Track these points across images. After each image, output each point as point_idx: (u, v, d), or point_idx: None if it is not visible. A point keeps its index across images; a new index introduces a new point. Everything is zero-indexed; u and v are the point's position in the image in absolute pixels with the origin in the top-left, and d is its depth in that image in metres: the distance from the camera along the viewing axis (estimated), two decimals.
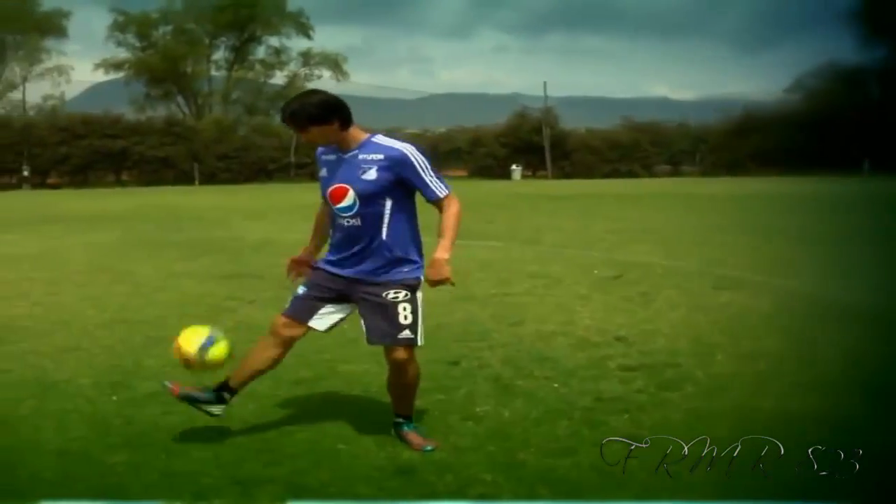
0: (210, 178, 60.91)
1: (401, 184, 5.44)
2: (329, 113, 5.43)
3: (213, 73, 72.98)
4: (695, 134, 72.85)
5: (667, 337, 8.79)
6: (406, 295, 5.52)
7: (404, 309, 5.51)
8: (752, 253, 16.12)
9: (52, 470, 5.29)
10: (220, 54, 73.36)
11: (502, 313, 10.07)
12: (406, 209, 5.55)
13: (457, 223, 5.54)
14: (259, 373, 5.85)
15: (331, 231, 5.73)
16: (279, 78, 73.99)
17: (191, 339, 5.71)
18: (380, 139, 5.56)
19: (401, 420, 5.82)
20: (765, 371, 7.47)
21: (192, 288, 12.14)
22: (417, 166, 5.44)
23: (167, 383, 5.75)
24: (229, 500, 4.81)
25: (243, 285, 12.32)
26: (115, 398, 6.84)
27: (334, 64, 73.25)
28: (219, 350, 5.71)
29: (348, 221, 5.51)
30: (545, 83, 74.71)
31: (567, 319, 9.67)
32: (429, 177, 5.46)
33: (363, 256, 5.53)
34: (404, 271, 5.52)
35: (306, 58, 73.47)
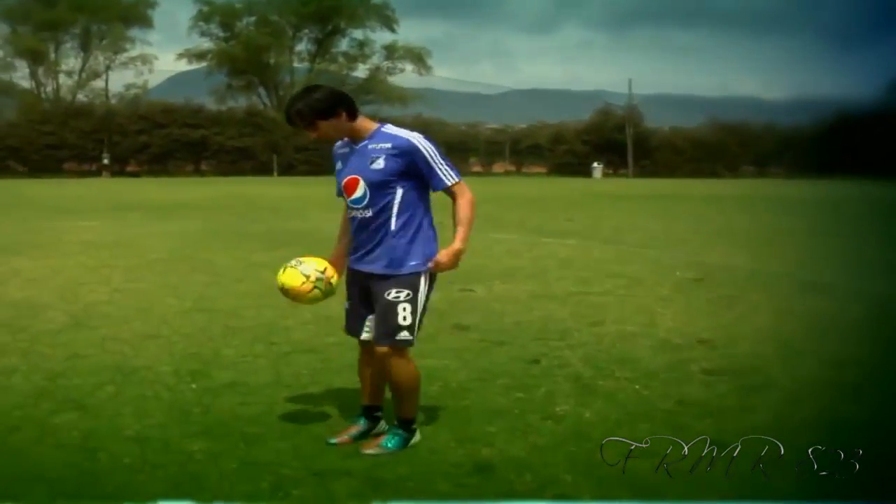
0: (288, 170, 61.41)
1: (410, 173, 5.36)
2: (334, 105, 5.37)
3: (296, 64, 73.58)
4: (783, 134, 71.82)
5: (751, 341, 8.61)
6: (407, 295, 5.36)
7: (404, 310, 5.35)
8: (839, 258, 15.84)
9: (131, 456, 5.29)
10: (302, 46, 73.90)
11: (582, 312, 9.95)
12: (416, 200, 5.43)
13: (472, 213, 5.41)
14: (380, 381, 5.76)
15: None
16: (361, 71, 74.39)
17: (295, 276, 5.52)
18: (389, 128, 5.51)
19: (395, 423, 5.61)
20: (854, 379, 7.26)
21: (270, 279, 12.02)
22: (426, 153, 5.35)
23: (334, 440, 5.60)
24: (307, 492, 4.77)
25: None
26: (193, 386, 6.86)
27: (418, 58, 73.35)
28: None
29: (361, 213, 5.44)
30: (630, 80, 74.33)
31: (648, 321, 9.52)
32: (437, 165, 5.37)
33: (375, 249, 5.42)
34: (411, 265, 5.37)
35: (390, 51, 73.60)
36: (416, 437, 5.59)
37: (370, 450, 5.43)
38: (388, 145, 5.37)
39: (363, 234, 5.46)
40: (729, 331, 9.09)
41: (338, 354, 7.56)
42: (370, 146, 5.41)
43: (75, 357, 7.73)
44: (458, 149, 70.92)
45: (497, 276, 12.64)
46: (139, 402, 6.42)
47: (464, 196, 5.40)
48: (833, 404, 6.58)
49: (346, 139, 5.53)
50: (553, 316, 9.76)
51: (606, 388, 6.87)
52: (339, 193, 5.61)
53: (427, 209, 5.50)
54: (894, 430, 5.97)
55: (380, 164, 5.35)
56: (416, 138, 5.41)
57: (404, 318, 5.34)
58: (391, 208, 5.38)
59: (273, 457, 5.28)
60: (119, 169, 61.62)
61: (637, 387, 6.93)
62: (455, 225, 5.41)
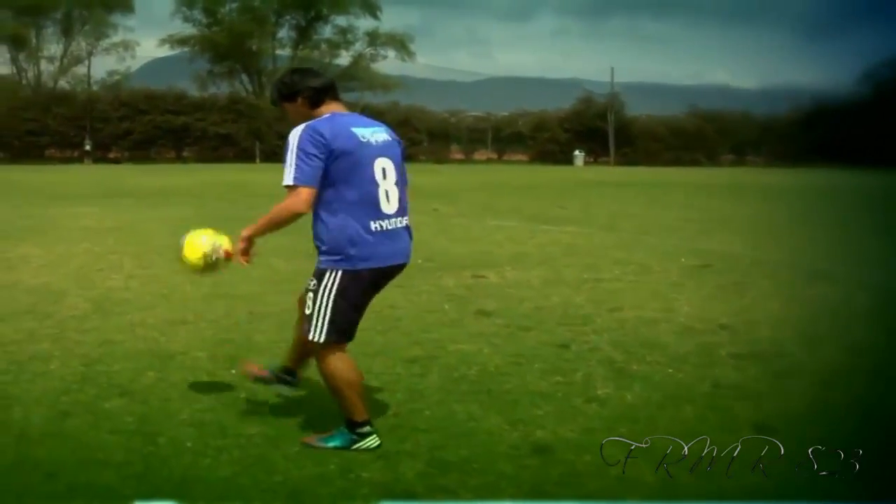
0: (270, 157, 61.13)
1: None
2: (295, 90, 5.35)
3: (278, 51, 73.06)
4: (760, 123, 72.37)
5: (769, 327, 8.74)
6: (314, 285, 5.22)
7: (310, 299, 5.25)
8: (837, 246, 16.05)
9: (191, 439, 5.37)
10: (284, 33, 73.51)
11: (598, 298, 10.06)
12: (330, 195, 5.13)
13: (274, 214, 5.19)
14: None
15: None
16: (344, 58, 73.81)
17: (195, 247, 5.77)
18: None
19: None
20: (878, 365, 7.41)
21: (282, 265, 12.18)
22: (287, 147, 5.11)
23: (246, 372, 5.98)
24: (376, 474, 4.86)
25: None
26: (233, 372, 6.91)
27: (400, 44, 72.88)
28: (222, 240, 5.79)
29: None
30: (612, 69, 74.55)
31: (665, 307, 9.64)
32: (288, 162, 5.07)
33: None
34: (321, 259, 5.22)
35: (372, 38, 73.22)
36: (369, 443, 5.26)
37: (306, 440, 5.37)
38: None
39: None
40: (745, 316, 9.22)
41: (369, 339, 7.54)
42: None
43: (108, 343, 7.78)
44: (440, 136, 70.98)
45: (506, 262, 12.75)
46: (184, 387, 6.50)
47: (284, 200, 5.12)
48: (863, 389, 6.73)
49: None
50: (571, 302, 9.86)
51: (641, 372, 7.00)
52: None
53: (355, 202, 5.16)
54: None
55: None
56: (293, 131, 5.18)
57: (308, 308, 5.26)
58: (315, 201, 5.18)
59: None
60: (101, 155, 61.12)
61: (670, 370, 7.06)
62: None
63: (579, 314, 9.18)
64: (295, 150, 5.07)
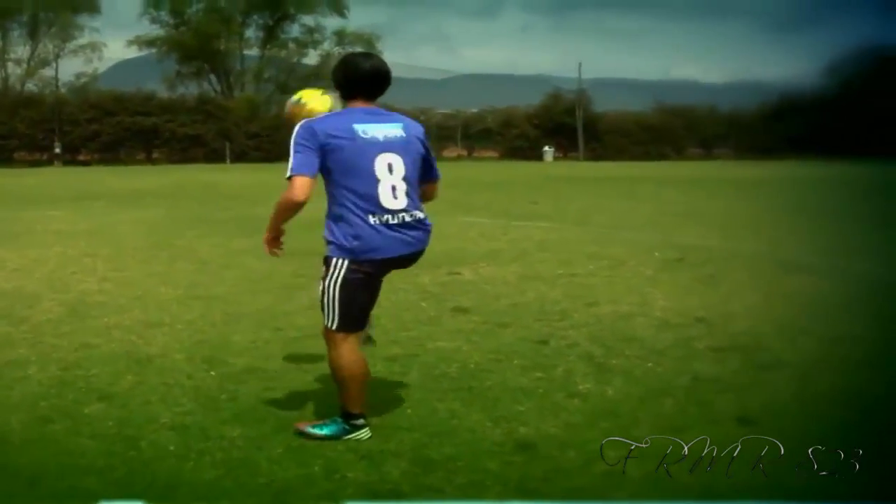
0: (240, 157, 60.91)
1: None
2: (334, 78, 5.50)
3: (246, 51, 72.63)
4: (727, 117, 72.57)
5: (747, 319, 8.76)
6: (322, 272, 5.38)
7: (319, 284, 5.40)
8: (810, 236, 16.13)
9: (174, 443, 5.34)
10: (252, 32, 73.08)
11: (574, 293, 10.06)
12: (334, 187, 5.28)
13: (276, 208, 5.37)
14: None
15: None
16: (312, 57, 73.48)
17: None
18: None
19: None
20: (859, 356, 7.44)
21: (256, 265, 12.14)
22: (291, 141, 5.24)
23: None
24: (361, 475, 4.84)
25: (305, 263, 12.13)
26: (212, 373, 6.88)
27: (368, 43, 72.56)
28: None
29: None
30: (580, 64, 74.71)
31: (641, 300, 9.65)
32: (291, 155, 5.21)
33: None
34: (328, 248, 5.34)
35: (340, 36, 72.88)
36: (361, 435, 5.37)
37: (299, 425, 5.54)
38: None
39: None
40: (722, 309, 9.24)
41: None
42: None
43: (85, 347, 7.71)
44: None
45: (480, 258, 12.75)
46: (163, 390, 6.45)
47: (284, 192, 5.23)
48: (844, 381, 6.75)
49: None
50: (547, 297, 9.86)
51: (621, 367, 7.01)
52: None
53: (353, 196, 5.23)
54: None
55: None
56: (301, 124, 5.33)
57: (318, 293, 5.40)
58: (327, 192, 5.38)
59: (315, 441, 5.33)
60: (71, 158, 60.66)
61: (650, 364, 7.08)
62: None
63: (556, 309, 9.19)
64: (291, 145, 5.22)
